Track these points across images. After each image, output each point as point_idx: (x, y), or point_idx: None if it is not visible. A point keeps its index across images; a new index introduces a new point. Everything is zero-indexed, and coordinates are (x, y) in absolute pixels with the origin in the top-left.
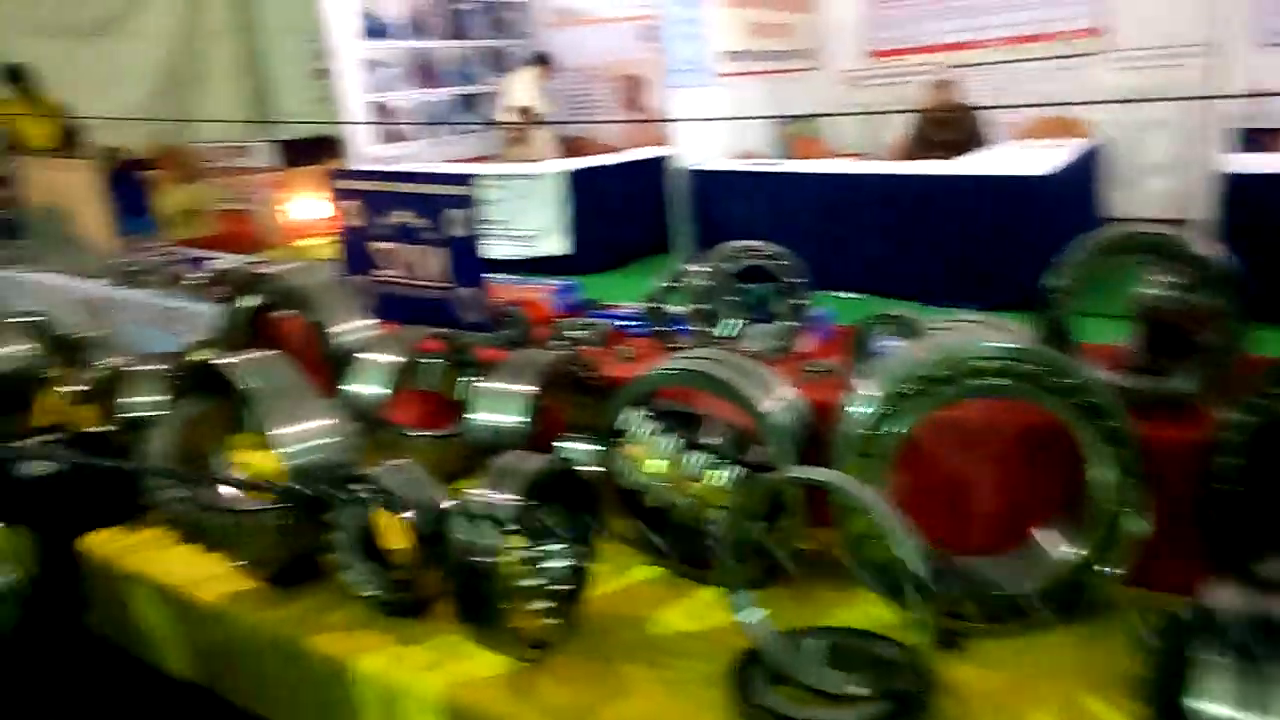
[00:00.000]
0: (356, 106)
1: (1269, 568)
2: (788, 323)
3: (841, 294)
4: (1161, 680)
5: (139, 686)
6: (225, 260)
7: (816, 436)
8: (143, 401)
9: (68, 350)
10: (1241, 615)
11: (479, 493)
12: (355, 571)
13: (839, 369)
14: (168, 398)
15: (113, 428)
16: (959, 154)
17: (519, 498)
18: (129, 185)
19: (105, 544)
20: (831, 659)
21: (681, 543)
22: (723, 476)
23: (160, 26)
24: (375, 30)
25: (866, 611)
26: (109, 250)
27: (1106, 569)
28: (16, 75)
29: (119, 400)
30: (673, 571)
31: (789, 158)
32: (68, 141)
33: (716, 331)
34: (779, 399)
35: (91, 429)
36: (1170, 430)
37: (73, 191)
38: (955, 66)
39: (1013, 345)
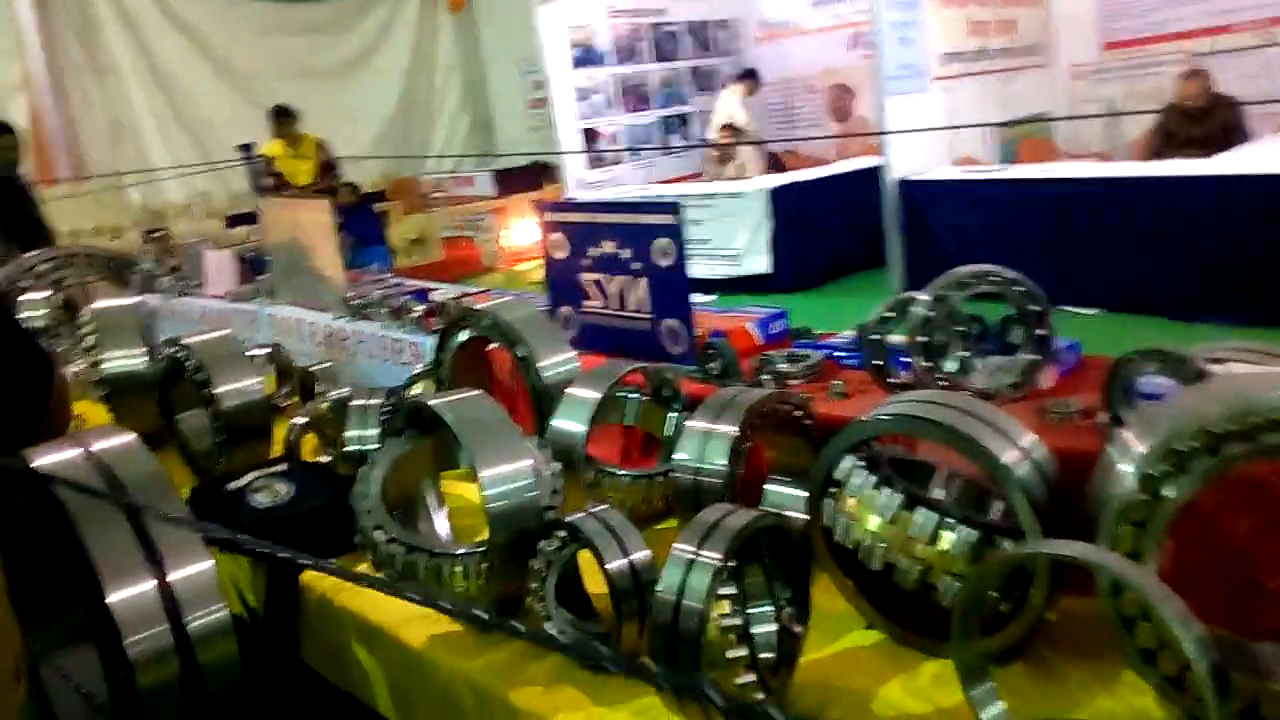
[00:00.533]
0: (569, 133)
1: None
2: (1026, 356)
3: (1079, 310)
4: None
5: None
6: (442, 292)
7: (1062, 494)
8: (361, 435)
9: (301, 382)
10: None
11: (686, 548)
12: (555, 622)
13: (1090, 412)
14: (383, 432)
15: (333, 460)
16: (1214, 151)
17: (727, 556)
18: (366, 217)
19: (322, 578)
20: None
21: (903, 608)
22: (957, 540)
23: (396, 63)
24: (587, 58)
25: (1130, 702)
26: (341, 284)
27: None
28: (284, 114)
29: (342, 434)
30: (895, 640)
31: (1015, 163)
32: (324, 176)
33: (944, 367)
34: (1022, 450)
35: (316, 460)
36: None
37: (309, 228)
38: (1201, 55)
39: None
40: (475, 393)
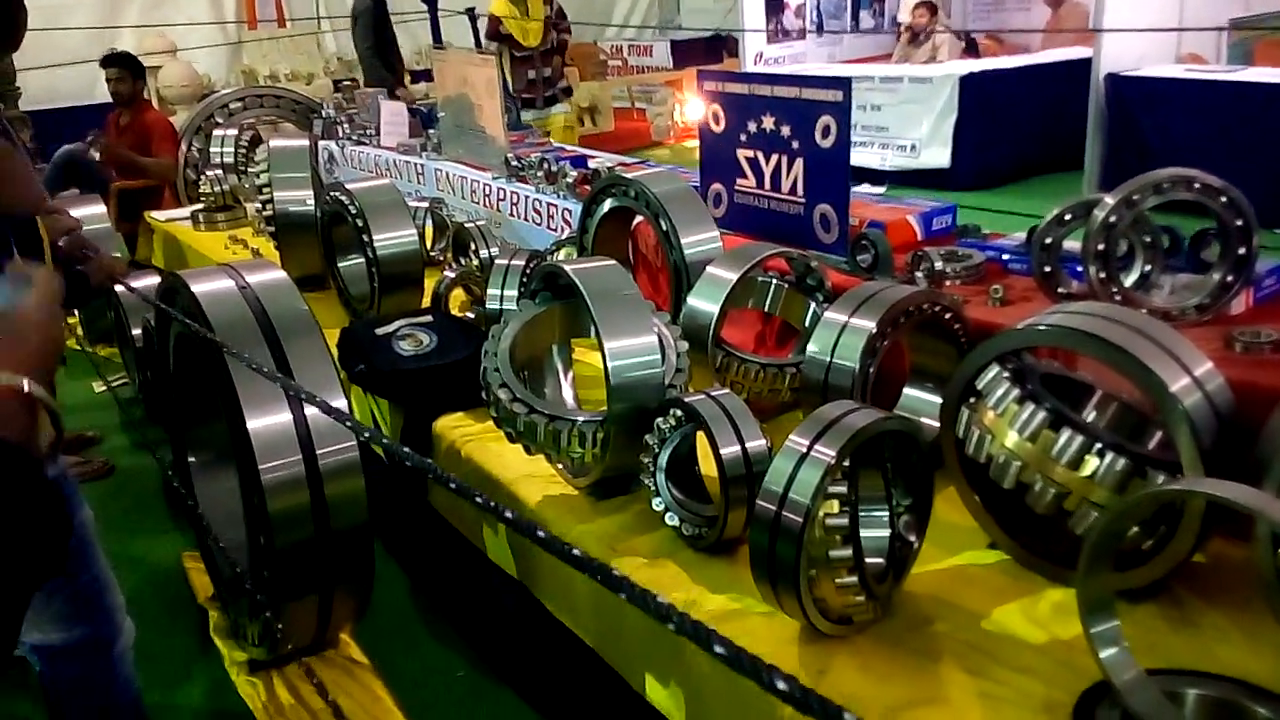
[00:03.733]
0: (754, 5)
1: None
2: (1217, 275)
3: None
4: None
5: (469, 569)
6: (599, 160)
7: (1237, 430)
8: (501, 295)
9: (455, 237)
10: None
11: (801, 440)
12: (664, 499)
13: None
14: (521, 293)
15: (477, 316)
16: None
17: (841, 455)
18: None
19: (453, 428)
20: (1211, 716)
21: (1035, 531)
22: (1104, 467)
23: None
24: None
25: (1272, 661)
26: (503, 144)
27: None
28: None
29: (485, 291)
30: (1018, 561)
31: (1248, 64)
32: (554, 29)
33: (1123, 281)
34: (1195, 378)
35: (462, 315)
36: None
37: (476, 84)
38: None
39: None
40: (609, 262)
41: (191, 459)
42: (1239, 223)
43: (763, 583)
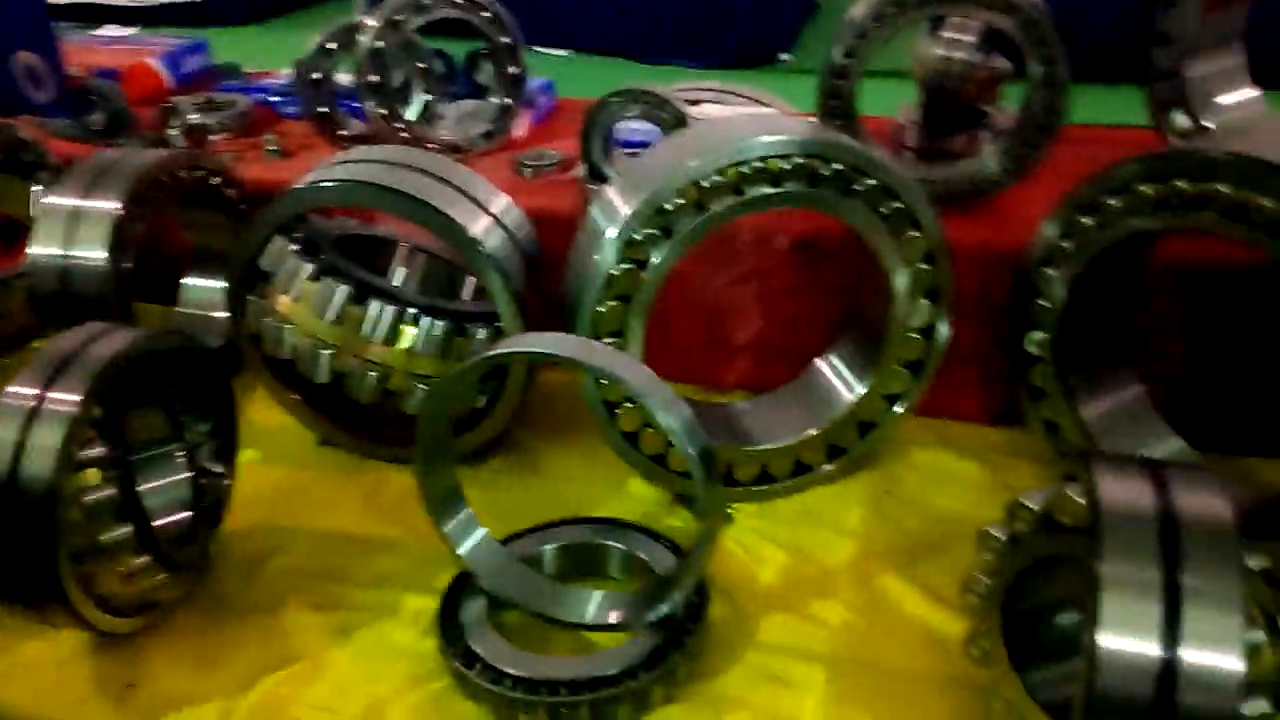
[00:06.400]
0: None
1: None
2: (497, 100)
3: (547, 51)
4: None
5: None
6: None
7: (542, 264)
8: None
9: None
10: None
11: (26, 391)
12: None
13: (569, 164)
14: None
15: None
16: None
17: (88, 400)
18: None
19: None
20: (570, 568)
21: (370, 414)
22: (422, 335)
23: None
24: None
25: (617, 483)
26: None
27: (899, 404)
28: None
29: None
30: (360, 455)
31: None
32: None
33: (405, 115)
34: (494, 216)
35: None
36: (970, 232)
37: None
38: None
39: (819, 139)
40: None
41: None
42: (505, 40)
43: (14, 606)
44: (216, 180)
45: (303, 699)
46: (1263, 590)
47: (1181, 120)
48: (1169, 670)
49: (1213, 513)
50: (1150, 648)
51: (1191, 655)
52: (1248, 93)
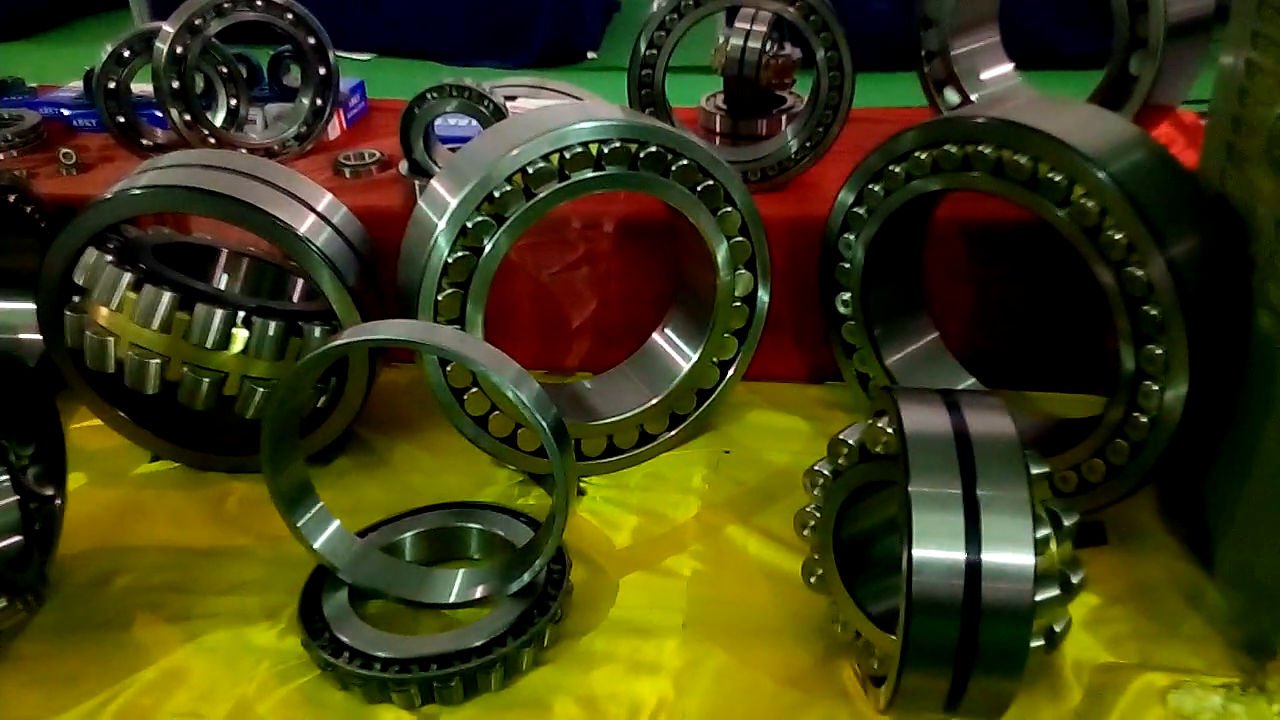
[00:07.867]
0: None
1: (904, 358)
2: (306, 100)
3: (348, 55)
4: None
5: None
6: None
7: (373, 259)
8: None
9: None
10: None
11: None
12: None
13: (389, 162)
14: None
15: None
16: None
17: None
18: None
19: None
20: (430, 553)
21: (195, 431)
22: (257, 337)
23: None
24: None
25: (463, 469)
26: None
27: (730, 368)
28: None
29: None
30: (193, 467)
31: None
32: None
33: (212, 121)
34: (320, 215)
35: None
36: (778, 207)
37: None
38: None
39: (635, 123)
40: None
41: None
42: (312, 41)
43: None
44: (13, 198)
45: (165, 708)
46: (1045, 490)
47: (952, 96)
48: (974, 570)
49: (1000, 430)
50: (956, 554)
51: (991, 556)
52: (1004, 68)
